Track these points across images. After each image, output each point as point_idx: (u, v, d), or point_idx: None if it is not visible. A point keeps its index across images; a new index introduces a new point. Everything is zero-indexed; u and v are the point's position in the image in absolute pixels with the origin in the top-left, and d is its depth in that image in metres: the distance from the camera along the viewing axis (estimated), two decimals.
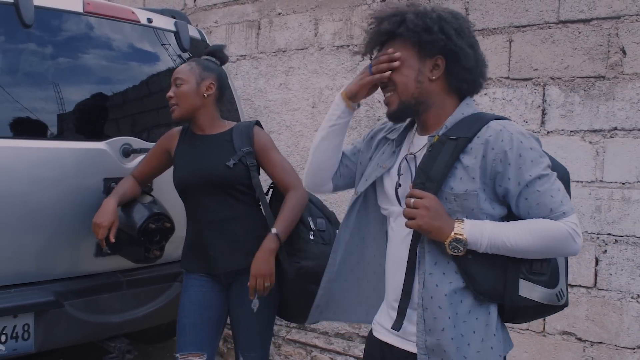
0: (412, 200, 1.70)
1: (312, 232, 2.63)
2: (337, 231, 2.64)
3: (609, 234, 3.07)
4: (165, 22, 3.56)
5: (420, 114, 1.83)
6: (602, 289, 3.10)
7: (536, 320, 2.71)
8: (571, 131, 3.18)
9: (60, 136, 2.97)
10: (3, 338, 2.74)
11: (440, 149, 1.72)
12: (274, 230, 2.57)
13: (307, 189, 2.22)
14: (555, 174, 1.69)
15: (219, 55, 2.85)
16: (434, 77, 1.78)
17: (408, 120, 1.94)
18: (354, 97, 1.91)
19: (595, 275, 3.12)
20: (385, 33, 1.79)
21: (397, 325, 1.80)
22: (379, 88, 1.88)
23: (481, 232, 1.67)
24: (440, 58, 1.77)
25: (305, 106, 4.19)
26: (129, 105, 3.33)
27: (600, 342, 3.10)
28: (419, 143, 1.85)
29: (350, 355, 3.87)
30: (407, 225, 1.72)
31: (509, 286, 1.70)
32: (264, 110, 4.40)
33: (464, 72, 1.78)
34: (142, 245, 2.89)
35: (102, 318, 3.05)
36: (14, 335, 2.76)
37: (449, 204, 1.71)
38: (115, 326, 3.13)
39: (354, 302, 2.06)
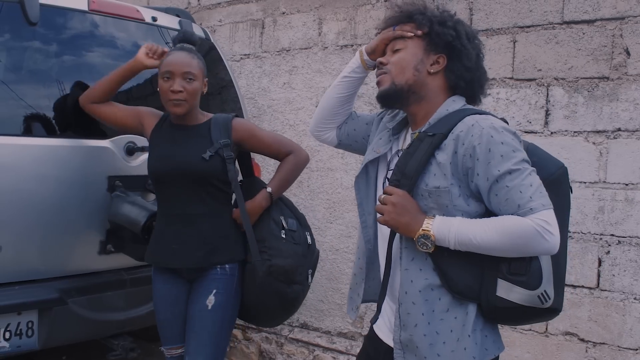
0: (383, 196, 1.73)
1: (283, 231, 2.62)
2: (306, 234, 2.71)
3: (612, 235, 3.07)
4: (169, 21, 3.56)
5: (410, 104, 1.84)
6: (605, 290, 3.10)
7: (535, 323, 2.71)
8: (575, 132, 3.18)
9: (64, 134, 2.97)
10: (7, 335, 2.74)
11: (417, 146, 1.73)
12: (268, 189, 2.62)
13: (311, 133, 2.26)
14: (530, 169, 1.64)
15: (194, 41, 2.76)
16: (432, 71, 1.81)
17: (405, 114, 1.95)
18: (372, 53, 1.98)
19: (598, 276, 3.12)
20: (404, 16, 1.84)
21: (374, 319, 1.86)
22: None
23: (448, 228, 1.65)
24: (443, 57, 1.80)
25: (308, 105, 4.19)
26: (133, 104, 3.27)
27: (603, 343, 3.10)
28: (409, 139, 1.87)
29: (353, 355, 3.88)
30: (377, 221, 1.76)
31: (486, 286, 1.68)
32: (267, 109, 4.40)
33: (463, 71, 1.80)
34: (145, 244, 2.85)
35: (106, 316, 3.05)
36: (18, 332, 2.77)
37: (424, 200, 1.71)
38: (119, 324, 3.13)
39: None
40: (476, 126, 1.66)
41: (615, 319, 3.07)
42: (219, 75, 3.75)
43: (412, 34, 1.82)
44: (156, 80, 2.62)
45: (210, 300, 2.56)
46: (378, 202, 1.77)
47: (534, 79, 3.31)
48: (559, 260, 1.70)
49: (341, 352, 3.95)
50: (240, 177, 2.82)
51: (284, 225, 2.65)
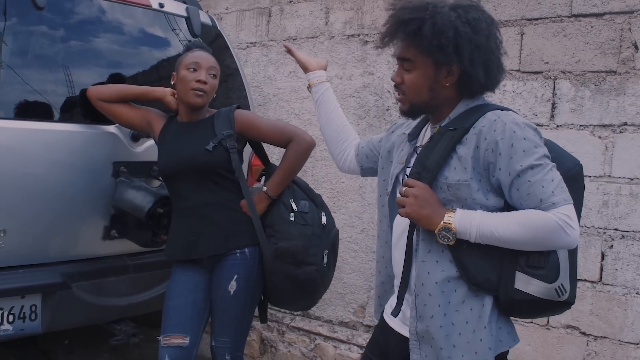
0: (404, 189, 1.74)
1: (292, 214, 2.64)
2: (322, 214, 2.73)
3: (616, 229, 3.07)
4: (176, 7, 3.54)
5: (433, 111, 1.85)
6: (608, 284, 3.10)
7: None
8: (581, 125, 3.17)
9: (70, 119, 2.96)
10: (10, 318, 2.75)
11: (438, 140, 1.76)
12: (263, 188, 2.67)
13: (340, 170, 2.32)
14: (551, 164, 1.67)
15: (208, 50, 2.86)
16: (447, 84, 1.78)
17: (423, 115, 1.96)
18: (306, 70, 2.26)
19: (601, 270, 3.12)
20: (403, 34, 1.76)
21: (395, 312, 1.85)
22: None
23: (470, 221, 1.67)
24: (455, 66, 1.76)
25: None
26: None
27: (604, 337, 3.10)
28: (429, 134, 1.88)
29: (354, 344, 3.89)
30: (398, 213, 1.76)
31: (504, 278, 1.70)
32: (273, 98, 4.39)
33: (479, 71, 1.77)
34: (149, 230, 2.90)
35: (109, 301, 3.05)
36: (22, 315, 2.77)
37: (443, 193, 1.73)
38: (121, 309, 3.13)
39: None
40: (498, 121, 1.68)
41: (617, 313, 3.07)
42: (225, 63, 3.70)
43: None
44: (163, 67, 2.64)
45: (232, 286, 2.61)
46: (399, 195, 1.78)
47: (541, 72, 3.29)
48: (573, 254, 1.73)
49: (342, 342, 3.95)
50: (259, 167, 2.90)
51: (294, 207, 2.66)
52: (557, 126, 3.23)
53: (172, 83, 2.74)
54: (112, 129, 3.02)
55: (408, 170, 1.86)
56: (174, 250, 2.72)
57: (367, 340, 2.08)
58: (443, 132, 1.76)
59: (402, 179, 1.88)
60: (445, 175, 1.73)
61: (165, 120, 2.81)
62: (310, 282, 2.64)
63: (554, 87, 3.25)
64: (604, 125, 3.10)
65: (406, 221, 1.81)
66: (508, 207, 1.71)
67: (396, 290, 1.90)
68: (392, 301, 1.92)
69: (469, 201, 1.71)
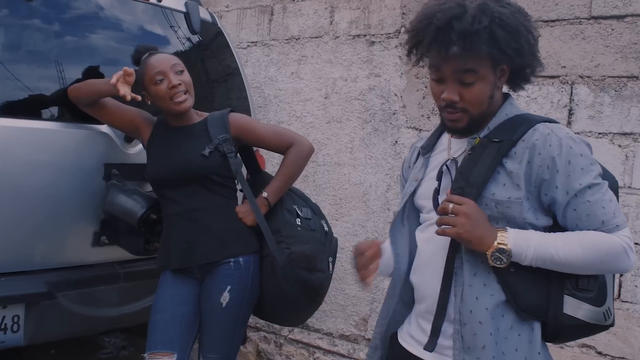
0: (451, 206, 1.57)
1: (299, 219, 2.57)
2: (322, 222, 2.64)
3: (636, 244, 2.90)
4: (175, 3, 3.41)
5: (482, 122, 1.70)
6: (626, 302, 2.94)
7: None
8: (599, 133, 3.01)
9: (60, 118, 2.82)
10: None
11: (481, 152, 1.61)
12: (264, 194, 2.56)
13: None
14: (606, 183, 1.57)
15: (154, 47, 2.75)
16: (501, 86, 1.66)
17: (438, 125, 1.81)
18: None
19: (620, 286, 2.95)
20: (466, 48, 1.53)
21: (430, 346, 1.66)
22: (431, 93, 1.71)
23: (527, 242, 1.53)
24: (506, 65, 1.63)
25: (317, 97, 4.04)
26: (134, 88, 3.15)
27: (622, 357, 2.94)
28: (458, 146, 1.72)
29: (355, 359, 3.72)
30: (444, 233, 1.59)
31: (553, 303, 1.57)
32: (273, 99, 4.26)
33: (524, 69, 1.65)
34: (142, 237, 2.76)
35: (97, 311, 2.91)
36: (3, 326, 2.62)
37: (489, 210, 1.59)
38: (111, 320, 2.99)
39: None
40: (552, 135, 1.56)
41: (636, 333, 2.91)
42: (225, 62, 3.61)
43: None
44: None
45: (225, 298, 2.49)
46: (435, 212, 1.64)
47: (558, 76, 3.14)
48: (613, 275, 1.64)
49: (343, 356, 3.80)
50: (247, 175, 2.78)
51: (299, 213, 2.60)
52: (575, 133, 3.06)
53: (149, 103, 2.61)
54: (104, 128, 2.88)
55: (439, 183, 1.70)
56: (166, 259, 2.60)
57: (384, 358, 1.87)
58: (486, 143, 1.61)
59: (435, 195, 1.71)
60: (492, 191, 1.58)
61: (153, 125, 2.69)
62: (320, 289, 2.55)
63: (571, 92, 3.10)
64: (625, 134, 2.94)
65: (439, 242, 1.66)
66: (555, 227, 1.60)
67: (419, 317, 1.73)
68: (414, 331, 1.74)
69: (518, 220, 1.57)
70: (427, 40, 1.58)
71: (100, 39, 3.10)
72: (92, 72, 2.98)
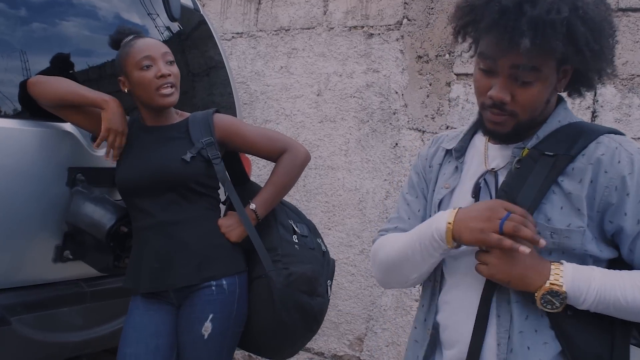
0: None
1: (295, 236, 2.30)
2: (318, 241, 2.37)
3: None
4: None
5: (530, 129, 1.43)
6: None
7: None
8: None
9: (17, 114, 2.51)
10: None
11: (531, 167, 1.34)
12: (252, 205, 2.28)
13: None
14: None
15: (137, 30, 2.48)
16: (561, 89, 1.38)
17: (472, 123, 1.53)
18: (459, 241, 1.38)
19: None
20: (537, 42, 1.25)
21: None
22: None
23: (587, 283, 1.26)
24: (570, 65, 1.34)
25: (308, 93, 3.78)
26: (105, 82, 2.88)
27: None
28: (497, 155, 1.43)
29: None
30: (477, 270, 1.33)
31: (618, 355, 1.30)
32: (260, 96, 4.00)
33: (589, 79, 1.39)
34: (110, 252, 2.44)
35: (60, 336, 2.59)
36: None
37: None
38: (75, 346, 2.66)
39: None
40: (622, 151, 1.31)
41: None
42: (208, 54, 3.34)
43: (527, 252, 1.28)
44: None
45: (207, 328, 2.18)
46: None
47: None
48: None
49: None
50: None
51: (295, 229, 2.33)
52: None
53: (126, 90, 2.32)
54: (67, 127, 2.55)
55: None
56: (135, 281, 2.28)
57: None
58: (535, 157, 1.34)
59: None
60: (548, 215, 1.31)
61: (126, 124, 2.38)
62: (320, 315, 2.29)
63: (595, 92, 2.86)
64: None
65: (477, 274, 1.38)
66: (617, 261, 1.35)
67: None
68: None
69: (578, 252, 1.31)
70: (487, 21, 1.27)
71: (67, 25, 2.82)
72: (62, 64, 2.71)
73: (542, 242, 1.25)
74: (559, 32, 1.22)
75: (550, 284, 1.26)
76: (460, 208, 1.36)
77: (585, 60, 1.27)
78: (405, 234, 1.50)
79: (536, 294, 1.28)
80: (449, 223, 1.34)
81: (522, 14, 1.22)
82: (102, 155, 2.59)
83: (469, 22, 1.34)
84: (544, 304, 1.27)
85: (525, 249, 1.25)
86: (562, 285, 1.26)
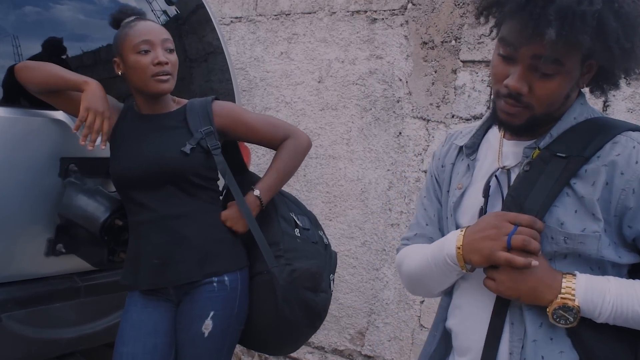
0: None
1: (297, 229, 2.24)
2: (320, 234, 2.32)
3: None
4: None
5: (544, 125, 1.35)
6: None
7: None
8: None
9: (6, 101, 2.42)
10: None
11: (541, 170, 1.27)
12: (255, 191, 2.22)
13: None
14: None
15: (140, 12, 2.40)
16: (584, 85, 1.30)
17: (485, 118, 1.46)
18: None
19: None
20: (563, 34, 1.16)
21: None
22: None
23: (602, 296, 1.20)
24: (595, 61, 1.25)
25: (309, 80, 3.69)
26: (99, 68, 2.83)
27: None
28: (512, 151, 1.36)
29: None
30: (485, 285, 1.28)
31: None
32: (260, 82, 3.91)
33: (614, 77, 1.30)
34: (105, 246, 2.38)
35: (53, 333, 2.54)
36: None
37: (555, 245, 1.24)
38: (69, 342, 2.61)
39: None
40: (639, 150, 1.22)
41: None
42: (206, 39, 3.26)
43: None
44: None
45: (207, 326, 2.13)
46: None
47: None
48: None
49: None
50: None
51: (297, 222, 2.26)
52: None
53: (120, 73, 2.24)
54: (59, 115, 2.48)
55: (492, 203, 1.34)
56: (133, 278, 2.22)
57: None
58: (547, 158, 1.27)
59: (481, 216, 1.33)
60: (561, 219, 1.23)
61: (119, 113, 2.31)
62: (324, 312, 2.28)
63: None
64: None
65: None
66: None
67: None
68: None
69: (595, 257, 1.23)
70: (512, 5, 1.19)
71: (61, 9, 2.79)
72: (55, 49, 2.65)
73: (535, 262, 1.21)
74: (588, 25, 1.14)
75: (562, 298, 1.20)
76: (467, 227, 1.30)
77: (613, 57, 1.19)
78: (422, 250, 1.44)
79: (548, 309, 1.22)
80: (458, 248, 1.29)
81: (551, 1, 1.14)
82: (96, 145, 2.53)
83: (493, 3, 1.26)
84: (557, 319, 1.21)
85: (535, 263, 1.20)
86: (574, 299, 1.20)
